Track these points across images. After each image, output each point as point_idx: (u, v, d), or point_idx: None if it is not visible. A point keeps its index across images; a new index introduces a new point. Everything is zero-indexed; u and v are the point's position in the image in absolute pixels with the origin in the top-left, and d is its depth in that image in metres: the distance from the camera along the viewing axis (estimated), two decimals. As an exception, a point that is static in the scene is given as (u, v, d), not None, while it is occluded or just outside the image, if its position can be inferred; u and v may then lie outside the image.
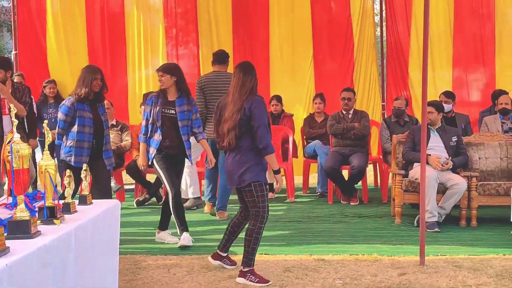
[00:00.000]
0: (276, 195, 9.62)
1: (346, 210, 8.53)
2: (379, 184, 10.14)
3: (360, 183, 9.20)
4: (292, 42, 10.98)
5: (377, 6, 12.84)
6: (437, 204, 7.34)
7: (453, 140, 7.80)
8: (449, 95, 9.42)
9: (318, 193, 9.74)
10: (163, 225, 6.79)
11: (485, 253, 6.13)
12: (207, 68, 10.51)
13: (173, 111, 6.43)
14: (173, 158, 6.49)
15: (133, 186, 9.75)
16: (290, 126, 9.97)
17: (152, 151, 6.45)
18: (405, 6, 10.92)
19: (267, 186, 5.39)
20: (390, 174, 8.56)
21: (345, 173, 9.32)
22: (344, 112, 9.35)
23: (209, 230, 7.32)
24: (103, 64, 10.65)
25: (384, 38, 11.14)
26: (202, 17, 10.88)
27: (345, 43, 10.94)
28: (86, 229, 3.95)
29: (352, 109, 9.39)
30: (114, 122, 9.25)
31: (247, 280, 5.23)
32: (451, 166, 7.53)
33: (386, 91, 11.14)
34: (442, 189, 7.39)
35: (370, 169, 10.20)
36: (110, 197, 6.52)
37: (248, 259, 5.28)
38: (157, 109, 6.40)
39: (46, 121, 4.13)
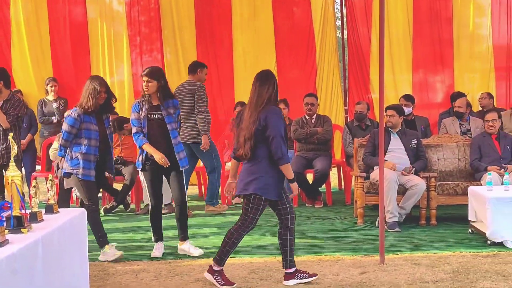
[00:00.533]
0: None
1: (311, 213, 8.72)
2: (342, 187, 10.35)
3: (324, 186, 9.40)
4: (255, 49, 11.16)
5: (338, 12, 13.05)
6: (398, 205, 7.56)
7: (413, 143, 8.04)
8: (408, 98, 9.67)
9: (284, 197, 9.88)
10: (183, 235, 6.55)
11: (443, 251, 6.35)
12: (172, 75, 10.68)
13: (159, 115, 6.28)
14: (161, 165, 6.29)
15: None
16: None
17: (141, 159, 6.33)
18: (365, 11, 11.16)
19: (267, 202, 5.28)
20: (353, 177, 8.78)
21: (309, 176, 9.50)
22: (307, 117, 9.54)
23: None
24: (67, 73, 10.79)
25: (346, 43, 11.36)
26: (166, 25, 11.01)
27: (308, 49, 11.15)
28: (53, 237, 4.06)
29: (315, 114, 9.58)
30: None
31: (214, 278, 5.34)
32: (414, 173, 7.77)
33: (348, 96, 11.36)
34: (402, 190, 7.61)
35: (334, 172, 10.41)
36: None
37: (220, 258, 5.36)
38: (143, 115, 6.26)
39: (11, 134, 4.23)
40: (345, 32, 11.40)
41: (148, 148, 6.25)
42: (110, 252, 6.29)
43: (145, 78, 6.30)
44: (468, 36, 11.27)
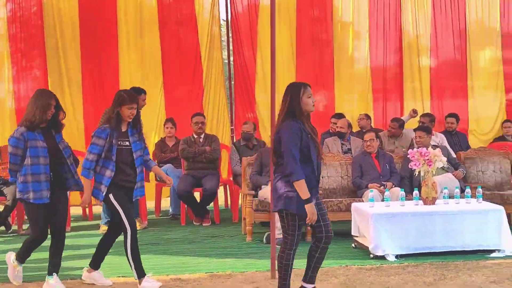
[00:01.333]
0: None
1: (199, 231, 8.81)
2: (229, 205, 10.52)
3: (211, 204, 9.51)
4: (141, 68, 11.15)
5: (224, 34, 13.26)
6: (285, 222, 7.77)
7: (299, 161, 8.30)
8: (294, 118, 9.96)
9: (170, 216, 9.94)
10: (96, 263, 6.09)
11: (330, 265, 6.60)
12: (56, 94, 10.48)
13: (127, 143, 5.83)
14: (129, 192, 5.92)
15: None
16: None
17: (104, 189, 5.75)
18: (250, 34, 11.44)
19: (302, 217, 5.02)
20: (240, 195, 8.94)
21: (197, 195, 9.60)
22: (195, 136, 9.66)
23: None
24: None
25: (232, 63, 11.60)
26: (49, 43, 10.78)
27: (194, 69, 11.27)
28: None
29: (203, 133, 9.71)
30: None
31: None
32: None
33: (234, 115, 11.56)
34: (290, 207, 7.84)
35: (220, 190, 10.54)
36: (64, 231, 5.99)
37: (281, 285, 5.19)
38: (113, 141, 5.74)
39: None
40: (231, 53, 11.62)
41: (87, 184, 5.79)
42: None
43: (134, 106, 5.82)
44: (348, 59, 11.81)
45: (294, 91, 5.14)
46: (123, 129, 5.85)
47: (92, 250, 7.46)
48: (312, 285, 5.30)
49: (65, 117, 5.95)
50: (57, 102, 5.82)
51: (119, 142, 5.77)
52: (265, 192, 7.91)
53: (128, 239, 5.75)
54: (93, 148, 5.74)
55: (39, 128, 5.74)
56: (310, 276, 5.30)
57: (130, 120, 5.84)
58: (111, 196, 5.74)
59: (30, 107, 5.74)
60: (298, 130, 4.98)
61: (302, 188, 4.93)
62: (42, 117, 5.68)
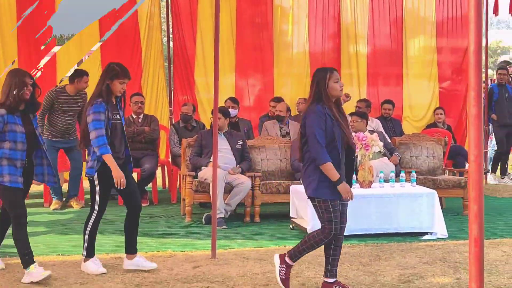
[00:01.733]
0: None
1: (138, 211, 8.78)
2: (167, 186, 10.52)
3: (150, 185, 9.51)
4: (79, 47, 10.96)
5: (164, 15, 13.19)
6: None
7: (238, 143, 8.42)
8: (235, 100, 10.06)
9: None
10: (131, 247, 5.86)
11: (268, 245, 6.73)
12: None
13: (118, 116, 5.65)
14: (121, 169, 5.60)
15: None
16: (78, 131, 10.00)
17: (97, 164, 5.51)
18: (190, 15, 11.39)
19: (337, 201, 4.91)
20: (179, 176, 8.94)
21: (135, 175, 9.55)
22: (134, 116, 9.61)
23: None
24: None
25: (171, 44, 11.54)
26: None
27: (133, 48, 11.17)
28: None
29: (142, 114, 9.68)
30: None
31: (279, 267, 5.09)
32: (240, 172, 8.15)
33: (173, 96, 11.54)
34: (229, 188, 7.94)
35: (158, 171, 10.53)
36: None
37: (294, 255, 5.08)
38: (109, 115, 5.52)
39: None
40: (171, 34, 11.56)
41: (110, 160, 5.46)
42: (35, 271, 5.41)
43: (126, 81, 5.63)
44: (287, 44, 11.91)
45: (321, 76, 4.94)
46: (113, 102, 5.66)
47: (31, 229, 7.44)
48: (334, 279, 5.14)
49: (41, 93, 5.69)
50: (33, 80, 5.57)
51: (113, 116, 5.59)
52: (205, 173, 7.97)
53: (92, 218, 5.70)
54: (98, 124, 5.44)
55: (18, 111, 5.46)
56: (330, 270, 5.12)
57: (120, 94, 5.67)
58: (96, 175, 5.56)
59: (5, 89, 5.44)
60: (322, 114, 4.82)
61: (329, 171, 4.81)
62: (19, 97, 5.40)
